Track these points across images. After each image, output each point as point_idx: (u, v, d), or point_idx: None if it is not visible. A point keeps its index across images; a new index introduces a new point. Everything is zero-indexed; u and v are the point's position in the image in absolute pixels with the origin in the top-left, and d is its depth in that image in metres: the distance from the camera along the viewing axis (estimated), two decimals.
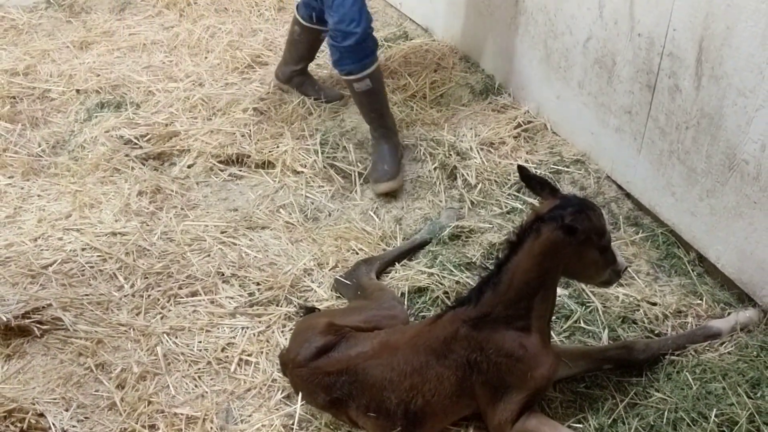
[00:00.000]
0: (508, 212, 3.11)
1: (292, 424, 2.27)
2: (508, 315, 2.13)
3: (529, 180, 2.22)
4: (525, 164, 2.23)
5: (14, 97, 3.94)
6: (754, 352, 2.43)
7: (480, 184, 3.24)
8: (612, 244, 2.19)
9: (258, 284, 2.81)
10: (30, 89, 4.03)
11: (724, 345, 2.48)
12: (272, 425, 2.28)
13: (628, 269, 2.30)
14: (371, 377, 2.17)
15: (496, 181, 3.26)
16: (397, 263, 2.90)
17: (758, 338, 2.48)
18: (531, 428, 2.12)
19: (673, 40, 2.68)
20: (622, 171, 3.17)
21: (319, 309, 2.66)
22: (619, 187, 3.21)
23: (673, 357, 2.43)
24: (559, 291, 2.64)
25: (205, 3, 4.95)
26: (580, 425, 2.25)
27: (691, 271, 2.79)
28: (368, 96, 3.30)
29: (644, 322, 2.59)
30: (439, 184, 3.29)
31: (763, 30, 2.28)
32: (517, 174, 2.27)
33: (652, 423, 2.24)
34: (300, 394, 2.29)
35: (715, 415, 2.22)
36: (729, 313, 2.60)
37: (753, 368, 2.37)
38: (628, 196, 3.17)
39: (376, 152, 3.38)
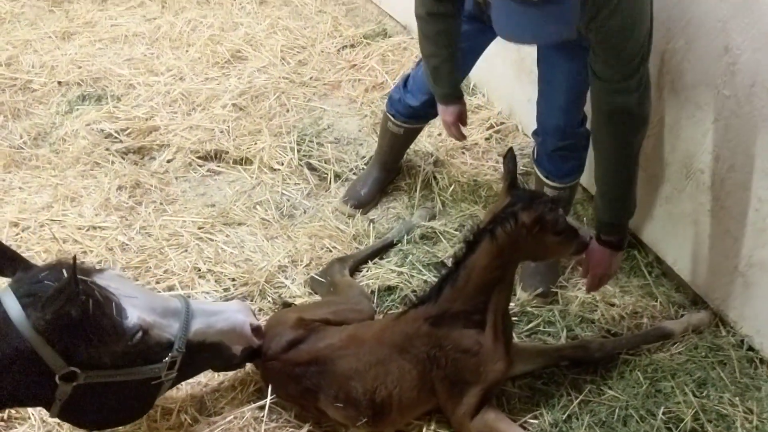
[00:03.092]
0: (477, 215, 3.20)
1: (263, 417, 2.37)
2: (466, 310, 2.25)
3: (509, 168, 2.30)
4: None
5: None
6: (703, 353, 2.57)
7: (452, 186, 3.34)
8: (568, 220, 2.27)
9: (233, 280, 2.89)
10: (12, 80, 4.05)
11: (675, 345, 2.61)
12: (243, 417, 2.38)
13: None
14: (339, 367, 2.28)
15: (467, 183, 3.36)
16: (369, 261, 3.00)
17: (707, 339, 2.62)
18: (489, 422, 2.25)
19: None
20: (588, 174, 3.27)
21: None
22: (584, 189, 3.32)
23: (626, 356, 2.56)
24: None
25: None
26: (536, 420, 2.37)
27: (648, 274, 2.91)
28: None
29: (601, 322, 2.71)
30: (412, 184, 3.38)
31: (719, 47, 2.39)
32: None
33: (603, 419, 2.37)
34: (270, 386, 2.39)
35: (663, 413, 2.35)
36: (682, 315, 2.73)
37: (700, 368, 2.51)
38: (593, 198, 3.28)
39: None
